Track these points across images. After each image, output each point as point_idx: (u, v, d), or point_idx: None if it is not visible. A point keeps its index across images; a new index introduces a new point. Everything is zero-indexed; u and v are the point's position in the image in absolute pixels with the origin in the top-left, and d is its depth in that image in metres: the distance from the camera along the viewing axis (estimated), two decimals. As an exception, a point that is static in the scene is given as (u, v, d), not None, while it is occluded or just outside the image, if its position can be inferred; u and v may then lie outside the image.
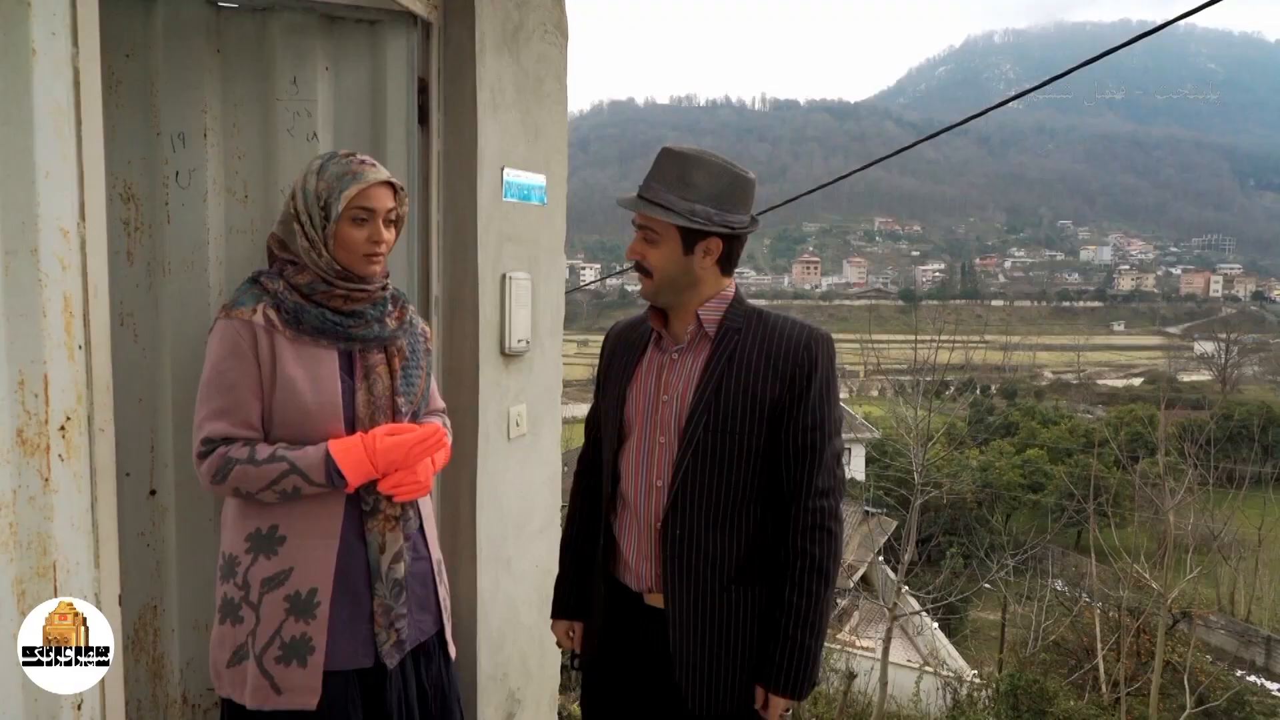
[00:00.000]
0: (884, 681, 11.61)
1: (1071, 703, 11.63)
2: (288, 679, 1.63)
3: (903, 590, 14.27)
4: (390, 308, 1.76)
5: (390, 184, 1.69)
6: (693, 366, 1.72)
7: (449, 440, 1.79)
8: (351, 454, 1.60)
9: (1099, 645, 14.49)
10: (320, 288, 1.66)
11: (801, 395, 1.64)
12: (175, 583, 2.04)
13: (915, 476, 12.44)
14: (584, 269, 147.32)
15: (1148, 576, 15.69)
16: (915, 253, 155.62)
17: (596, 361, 1.94)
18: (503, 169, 2.13)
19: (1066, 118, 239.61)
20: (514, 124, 2.18)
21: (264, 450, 1.59)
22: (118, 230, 1.93)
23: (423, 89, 2.04)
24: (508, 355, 2.23)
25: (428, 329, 1.87)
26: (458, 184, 2.05)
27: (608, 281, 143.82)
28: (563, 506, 2.32)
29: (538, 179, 2.26)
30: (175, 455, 2.01)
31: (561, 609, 1.94)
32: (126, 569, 1.93)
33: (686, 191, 1.64)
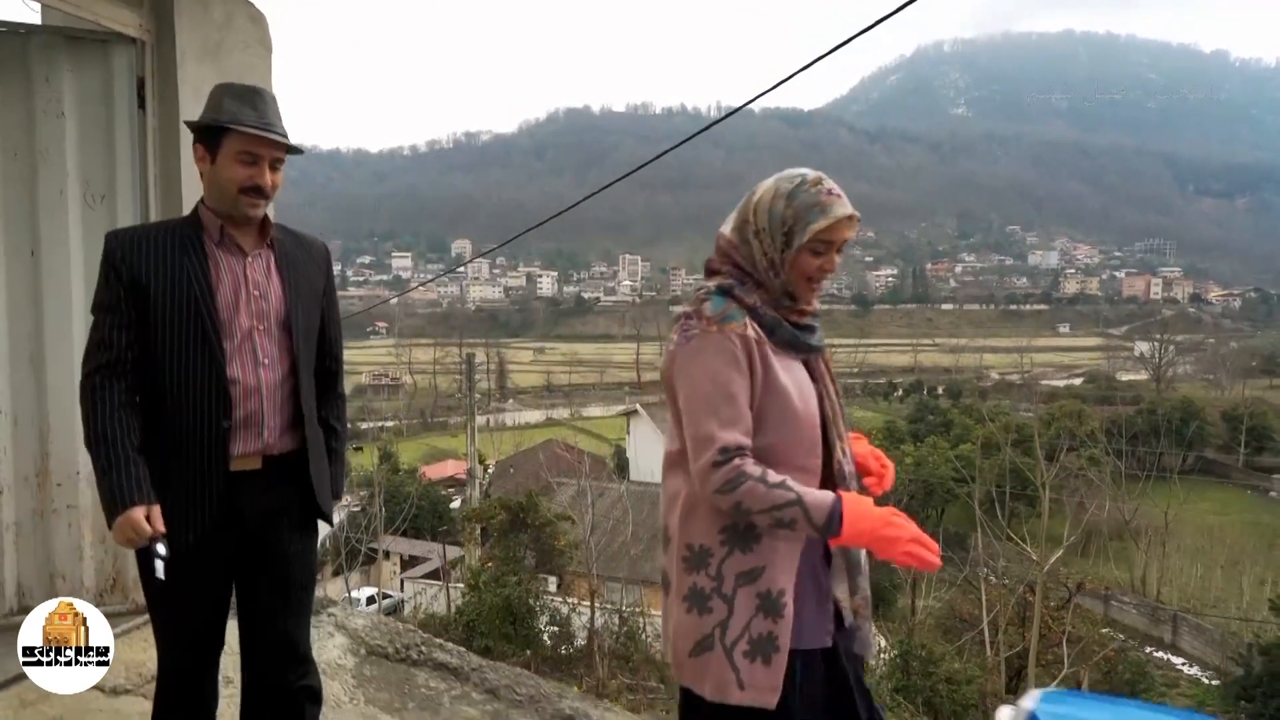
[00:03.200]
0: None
1: (955, 665, 12.62)
2: (753, 675, 1.64)
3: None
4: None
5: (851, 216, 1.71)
6: (270, 267, 2.06)
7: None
8: (863, 519, 1.60)
9: (984, 613, 15.48)
10: (785, 303, 1.75)
11: (330, 283, 2.21)
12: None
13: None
14: (540, 276, 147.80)
15: (1027, 547, 16.79)
16: (869, 258, 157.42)
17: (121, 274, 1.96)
18: (207, 141, 3.10)
19: (1015, 125, 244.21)
20: (218, 111, 3.14)
21: (774, 475, 1.61)
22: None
23: (141, 85, 3.02)
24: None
25: None
26: (168, 149, 3.03)
27: (564, 289, 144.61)
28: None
29: (242, 148, 3.24)
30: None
31: (139, 495, 1.86)
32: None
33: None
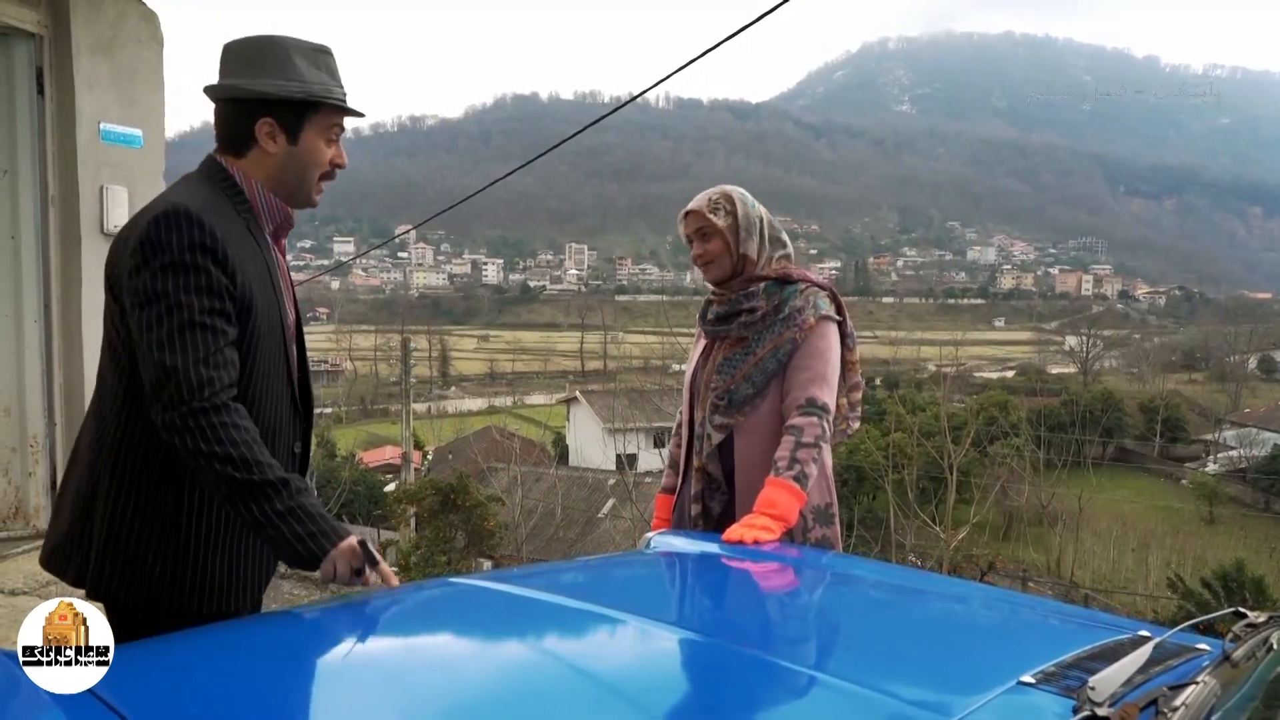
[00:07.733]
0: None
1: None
2: None
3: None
4: None
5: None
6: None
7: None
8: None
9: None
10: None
11: None
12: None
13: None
14: (486, 264, 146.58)
15: (936, 527, 17.54)
16: (813, 251, 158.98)
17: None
18: (99, 123, 3.40)
19: (955, 123, 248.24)
20: (109, 98, 3.44)
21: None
22: None
23: (40, 74, 3.32)
24: (106, 234, 3.45)
25: None
26: (64, 131, 3.34)
27: (510, 277, 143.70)
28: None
29: (134, 130, 3.53)
30: None
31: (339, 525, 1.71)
32: None
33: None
